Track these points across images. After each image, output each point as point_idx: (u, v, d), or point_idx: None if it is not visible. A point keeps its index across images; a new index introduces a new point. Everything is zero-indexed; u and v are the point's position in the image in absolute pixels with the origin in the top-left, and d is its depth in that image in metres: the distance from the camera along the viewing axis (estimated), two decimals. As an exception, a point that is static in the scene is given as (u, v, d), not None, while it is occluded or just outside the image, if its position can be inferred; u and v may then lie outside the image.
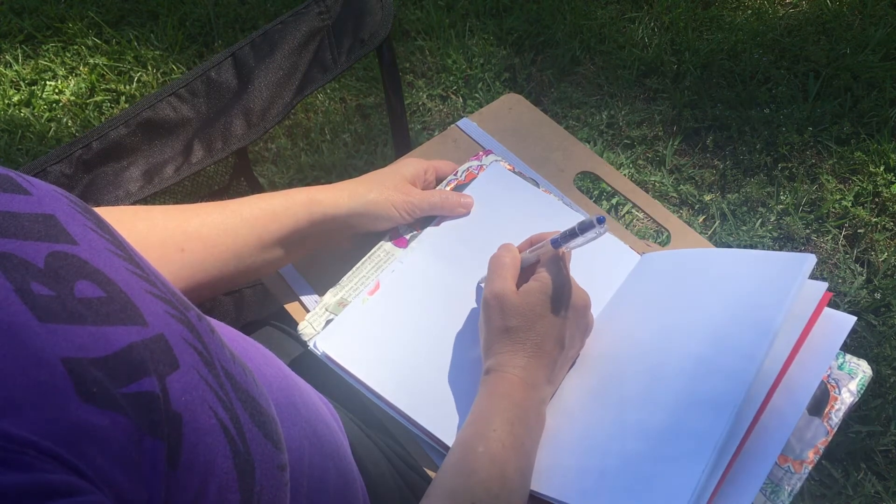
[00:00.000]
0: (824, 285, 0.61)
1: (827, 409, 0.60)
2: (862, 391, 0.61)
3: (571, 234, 0.58)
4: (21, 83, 1.75)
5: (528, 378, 0.58)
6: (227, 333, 0.52)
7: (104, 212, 0.59)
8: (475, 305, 0.69)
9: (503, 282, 0.61)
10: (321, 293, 0.73)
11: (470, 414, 0.58)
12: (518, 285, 0.61)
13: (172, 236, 0.62)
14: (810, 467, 0.58)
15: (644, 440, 0.56)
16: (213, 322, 0.49)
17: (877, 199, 1.46)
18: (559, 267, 0.61)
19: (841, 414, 0.60)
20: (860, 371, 0.62)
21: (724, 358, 0.58)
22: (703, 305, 0.64)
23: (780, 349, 0.58)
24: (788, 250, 1.41)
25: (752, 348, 0.57)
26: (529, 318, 0.59)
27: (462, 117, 0.90)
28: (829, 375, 0.61)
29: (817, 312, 0.60)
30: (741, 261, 0.66)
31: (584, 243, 0.59)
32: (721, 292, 0.64)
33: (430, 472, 0.63)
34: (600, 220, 0.56)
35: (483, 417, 0.56)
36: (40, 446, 0.28)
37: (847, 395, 0.61)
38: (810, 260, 0.61)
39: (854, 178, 1.49)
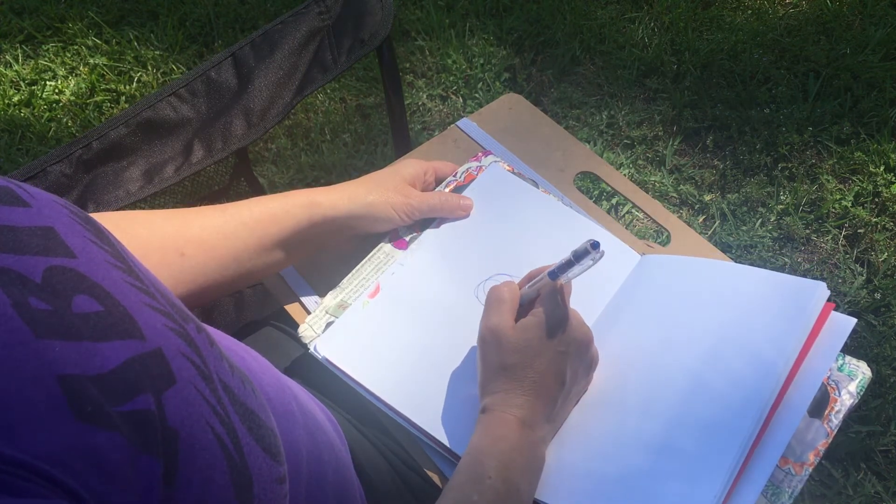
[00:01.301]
0: (826, 294, 0.60)
1: (827, 411, 0.60)
2: (861, 392, 0.61)
3: (568, 264, 0.57)
4: (21, 83, 1.74)
5: (526, 418, 0.56)
6: (225, 343, 0.52)
7: (104, 217, 0.59)
8: (475, 310, 0.68)
9: (500, 316, 0.59)
10: (321, 294, 0.72)
11: (465, 454, 0.56)
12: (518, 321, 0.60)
13: (172, 241, 0.61)
14: (810, 469, 0.58)
15: (647, 451, 0.57)
16: (212, 331, 0.49)
17: (877, 199, 1.46)
18: (557, 301, 0.58)
19: (841, 416, 0.60)
20: (860, 373, 0.62)
21: (736, 365, 0.58)
22: (709, 320, 0.63)
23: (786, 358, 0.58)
24: (788, 250, 1.41)
25: (763, 368, 0.57)
26: (526, 354, 0.57)
27: (462, 117, 0.90)
28: (829, 377, 0.61)
29: (819, 324, 0.60)
30: (750, 279, 0.65)
31: (582, 272, 0.57)
32: (729, 310, 0.63)
33: (429, 473, 0.63)
34: (594, 246, 0.54)
35: (478, 461, 0.54)
36: (34, 467, 0.28)
37: (847, 397, 0.61)
38: (821, 290, 0.60)
39: (854, 178, 1.49)
